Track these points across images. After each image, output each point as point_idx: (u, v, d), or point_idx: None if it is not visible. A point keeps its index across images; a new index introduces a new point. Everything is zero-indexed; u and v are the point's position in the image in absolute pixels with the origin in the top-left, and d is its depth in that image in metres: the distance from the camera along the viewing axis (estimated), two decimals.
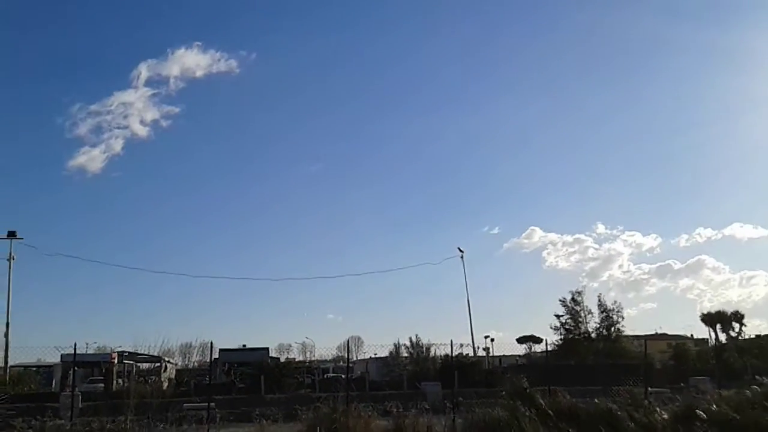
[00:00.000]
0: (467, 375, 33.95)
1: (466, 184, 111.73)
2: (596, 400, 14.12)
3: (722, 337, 57.01)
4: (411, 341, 45.78)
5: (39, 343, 62.40)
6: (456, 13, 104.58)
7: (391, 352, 43.69)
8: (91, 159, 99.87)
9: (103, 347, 44.86)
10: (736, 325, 56.71)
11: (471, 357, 44.92)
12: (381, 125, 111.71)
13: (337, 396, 15.22)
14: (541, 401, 13.71)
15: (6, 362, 38.28)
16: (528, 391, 14.17)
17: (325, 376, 47.50)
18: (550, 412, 13.34)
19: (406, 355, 45.28)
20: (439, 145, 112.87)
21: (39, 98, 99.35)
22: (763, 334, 57.35)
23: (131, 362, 41.75)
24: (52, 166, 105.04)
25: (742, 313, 58.40)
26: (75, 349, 18.02)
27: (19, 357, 39.07)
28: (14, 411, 16.24)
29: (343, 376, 39.19)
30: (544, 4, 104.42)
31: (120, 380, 39.27)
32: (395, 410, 15.97)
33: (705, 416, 12.58)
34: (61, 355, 33.36)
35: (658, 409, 13.27)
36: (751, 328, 60.91)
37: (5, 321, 38.83)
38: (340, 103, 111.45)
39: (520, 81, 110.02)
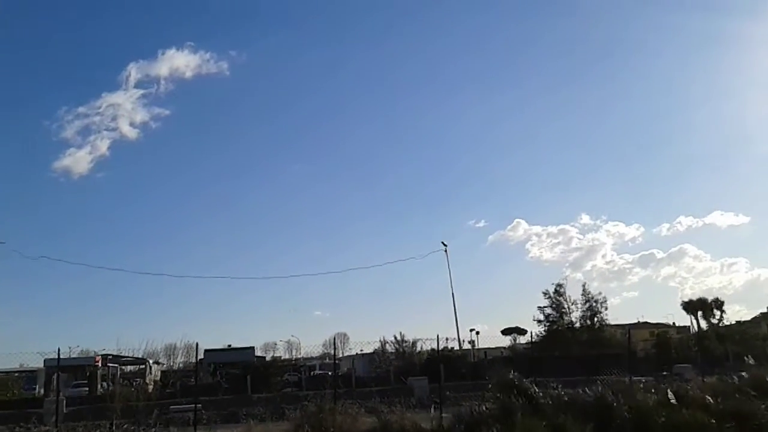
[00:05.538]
0: (453, 369, 34.22)
1: (454, 180, 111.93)
2: (587, 390, 14.23)
3: (703, 324, 58.08)
4: (396, 337, 46.04)
5: (21, 348, 61.21)
6: (449, 16, 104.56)
7: (376, 349, 43.78)
8: (77, 160, 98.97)
9: (86, 351, 44.41)
10: (717, 312, 57.83)
11: (456, 351, 45.27)
12: (369, 125, 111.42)
13: (324, 394, 15.22)
14: (534, 393, 13.79)
15: None
16: (517, 382, 14.25)
17: (312, 373, 47.48)
18: (542, 402, 13.44)
19: (392, 350, 45.45)
20: (427, 143, 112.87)
21: (26, 100, 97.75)
22: (743, 320, 58.59)
23: (115, 365, 41.45)
24: (37, 168, 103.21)
25: (722, 300, 59.72)
26: (59, 353, 17.74)
27: (1, 363, 38.47)
28: None
29: (329, 373, 39.26)
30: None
31: (105, 383, 39.00)
32: (382, 407, 15.96)
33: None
34: (44, 360, 32.89)
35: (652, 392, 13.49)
36: (732, 314, 62.23)
37: None
38: (329, 104, 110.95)
39: (507, 80, 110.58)
